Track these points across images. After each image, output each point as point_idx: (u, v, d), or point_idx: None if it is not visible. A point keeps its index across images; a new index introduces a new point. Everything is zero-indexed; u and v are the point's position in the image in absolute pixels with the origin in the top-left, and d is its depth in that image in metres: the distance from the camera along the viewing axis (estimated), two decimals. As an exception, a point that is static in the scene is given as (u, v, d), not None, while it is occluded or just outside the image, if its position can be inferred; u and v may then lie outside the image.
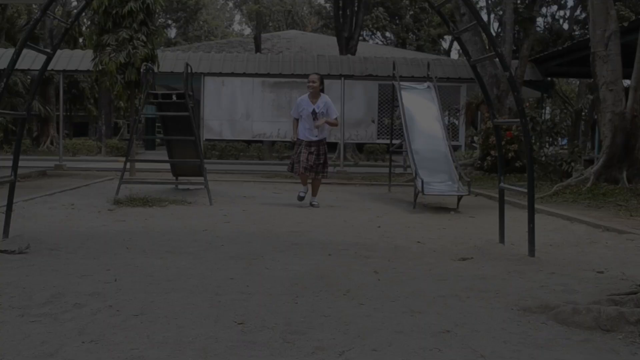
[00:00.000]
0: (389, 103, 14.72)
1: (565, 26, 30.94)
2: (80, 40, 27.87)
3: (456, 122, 18.41)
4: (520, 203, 8.48)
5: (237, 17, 64.60)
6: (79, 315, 3.19)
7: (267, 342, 2.87)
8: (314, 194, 8.64)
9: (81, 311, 3.27)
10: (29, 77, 23.92)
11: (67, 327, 3.00)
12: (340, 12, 24.38)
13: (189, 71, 9.09)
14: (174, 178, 10.39)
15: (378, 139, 17.78)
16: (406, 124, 9.59)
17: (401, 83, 10.52)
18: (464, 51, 5.97)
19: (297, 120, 8.70)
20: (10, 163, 5.48)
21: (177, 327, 3.04)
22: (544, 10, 30.03)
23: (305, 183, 8.66)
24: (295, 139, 8.62)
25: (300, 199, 8.57)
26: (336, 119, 8.79)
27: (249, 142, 21.59)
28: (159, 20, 42.91)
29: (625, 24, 13.04)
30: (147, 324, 3.09)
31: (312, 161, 8.41)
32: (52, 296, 3.52)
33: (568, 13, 31.67)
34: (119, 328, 3.01)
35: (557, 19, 32.90)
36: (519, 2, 16.67)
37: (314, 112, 8.48)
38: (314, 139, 8.49)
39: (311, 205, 8.44)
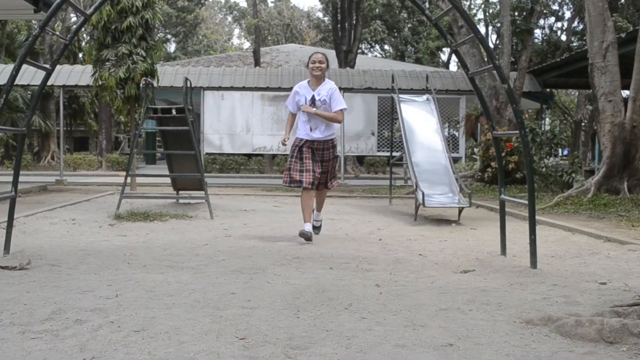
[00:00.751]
0: (388, 116, 14.75)
1: (563, 38, 31.10)
2: (80, 55, 28.00)
3: (456, 134, 18.42)
4: (522, 214, 8.48)
5: (236, 31, 65.05)
6: (80, 332, 3.18)
7: (269, 357, 2.85)
8: (319, 208, 6.74)
9: (82, 327, 3.25)
10: (29, 92, 24.01)
11: (68, 344, 2.99)
12: (339, 26, 24.53)
13: (189, 85, 9.12)
14: (175, 192, 10.40)
15: (378, 151, 17.81)
16: (406, 137, 9.61)
17: (400, 95, 10.55)
18: (462, 64, 5.98)
19: (293, 116, 6.64)
20: (10, 178, 5.48)
21: (178, 343, 3.02)
22: (541, 22, 30.21)
23: (309, 217, 6.39)
24: (286, 141, 6.48)
25: (307, 238, 6.30)
26: (341, 111, 6.44)
27: (249, 156, 21.67)
28: (158, 35, 43.13)
29: (623, 35, 13.09)
30: (148, 340, 3.07)
31: (317, 171, 6.38)
32: (53, 312, 3.51)
33: (566, 25, 31.86)
34: (120, 344, 2.99)
35: (555, 31, 33.09)
36: (516, 14, 16.75)
37: (312, 100, 6.38)
38: (318, 137, 6.40)
39: (313, 226, 6.51)
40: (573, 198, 10.38)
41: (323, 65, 6.41)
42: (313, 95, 6.39)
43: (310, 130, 6.40)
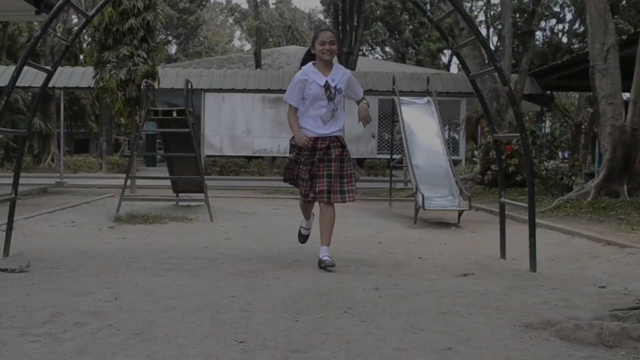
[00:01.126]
0: (389, 118, 14.75)
1: (564, 40, 31.11)
2: (81, 57, 28.02)
3: (456, 137, 18.43)
4: (521, 217, 8.47)
5: (237, 33, 65.05)
6: (79, 335, 3.18)
7: (268, 361, 2.85)
8: (325, 240, 5.25)
9: (81, 330, 3.25)
10: (30, 94, 24.02)
11: (67, 347, 2.99)
12: (340, 28, 24.53)
13: (189, 87, 9.12)
14: (175, 195, 10.39)
15: (378, 154, 17.81)
16: (406, 139, 9.60)
17: (401, 98, 10.55)
18: (463, 66, 5.99)
19: (296, 110, 5.21)
20: (11, 180, 5.48)
21: (177, 346, 3.02)
22: (542, 24, 30.23)
23: (308, 215, 5.68)
24: (309, 141, 5.08)
25: (304, 238, 5.79)
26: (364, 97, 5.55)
27: (249, 158, 21.66)
28: (159, 36, 43.13)
29: (624, 37, 13.09)
30: (147, 343, 3.07)
31: (323, 175, 5.13)
32: (53, 315, 3.51)
33: (567, 27, 31.89)
34: (120, 347, 2.99)
35: (556, 33, 33.13)
36: (518, 16, 16.76)
37: (327, 87, 5.12)
38: (325, 133, 5.14)
39: (321, 263, 5.12)
40: (573, 201, 10.37)
41: (334, 47, 5.19)
42: (327, 82, 5.14)
43: (317, 125, 5.14)
